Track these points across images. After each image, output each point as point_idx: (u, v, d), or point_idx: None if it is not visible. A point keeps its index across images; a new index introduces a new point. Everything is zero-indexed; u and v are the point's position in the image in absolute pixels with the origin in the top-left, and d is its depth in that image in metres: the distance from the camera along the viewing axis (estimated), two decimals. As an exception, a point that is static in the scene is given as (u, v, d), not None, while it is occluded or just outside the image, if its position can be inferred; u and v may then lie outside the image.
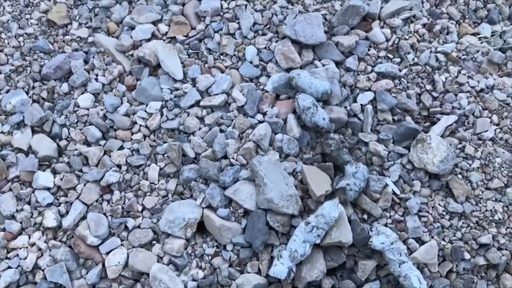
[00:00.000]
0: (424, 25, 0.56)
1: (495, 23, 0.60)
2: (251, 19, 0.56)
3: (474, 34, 0.59)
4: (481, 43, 0.58)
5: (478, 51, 0.57)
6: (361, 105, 0.53)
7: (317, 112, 0.50)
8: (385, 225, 0.49)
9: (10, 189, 0.51)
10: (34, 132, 0.53)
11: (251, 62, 0.55)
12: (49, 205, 0.50)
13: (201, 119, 0.52)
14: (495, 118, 0.54)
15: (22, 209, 0.50)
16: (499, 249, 0.51)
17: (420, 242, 0.49)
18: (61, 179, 0.51)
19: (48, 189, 0.50)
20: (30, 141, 0.52)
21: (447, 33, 0.57)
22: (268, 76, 0.54)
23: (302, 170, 0.49)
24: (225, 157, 0.51)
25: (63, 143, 0.52)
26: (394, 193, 0.50)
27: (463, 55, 0.57)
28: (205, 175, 0.50)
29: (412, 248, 0.49)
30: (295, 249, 0.46)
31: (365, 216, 0.50)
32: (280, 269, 0.46)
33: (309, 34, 0.54)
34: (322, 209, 0.46)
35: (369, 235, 0.48)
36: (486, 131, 0.53)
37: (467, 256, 0.50)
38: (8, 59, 0.56)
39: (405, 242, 0.49)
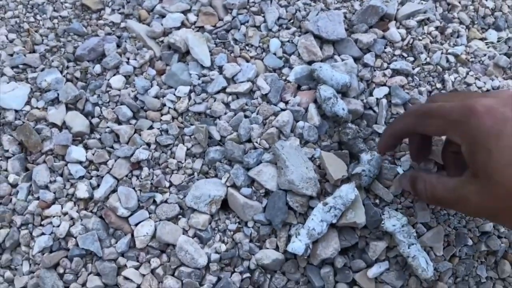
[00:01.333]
0: (437, 28, 0.60)
1: (501, 30, 0.64)
2: (276, 14, 0.59)
3: (481, 39, 0.63)
4: (488, 47, 0.62)
5: (485, 55, 0.61)
6: (377, 98, 0.56)
7: (337, 102, 0.53)
8: (396, 210, 0.52)
9: (44, 161, 0.53)
10: (68, 109, 0.55)
11: (275, 54, 0.58)
12: (81, 177, 0.53)
13: (227, 104, 0.55)
14: (499, 117, 0.57)
15: (55, 181, 0.52)
16: (499, 237, 0.55)
17: (428, 227, 0.53)
18: (93, 154, 0.53)
19: (81, 162, 0.53)
20: (64, 117, 0.54)
21: (458, 37, 0.61)
22: (291, 67, 0.57)
23: (321, 156, 0.53)
24: (249, 141, 0.54)
25: (95, 120, 0.54)
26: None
27: (471, 57, 0.60)
28: (230, 157, 0.53)
29: (420, 232, 0.52)
30: (313, 227, 0.49)
31: (378, 201, 0.53)
32: (298, 245, 0.49)
33: (330, 30, 0.57)
34: (340, 191, 0.50)
35: (381, 218, 0.51)
36: (491, 128, 0.56)
37: (469, 242, 0.53)
38: (43, 40, 0.59)
39: (414, 226, 0.52)
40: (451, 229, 0.53)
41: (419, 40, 0.59)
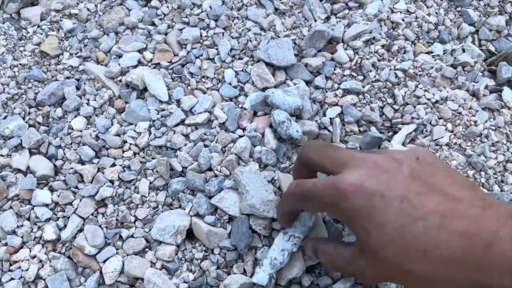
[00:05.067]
0: (383, 46, 0.63)
1: (446, 43, 0.67)
2: (228, 45, 0.61)
3: (428, 53, 0.66)
4: (435, 60, 0.65)
5: (432, 68, 0.63)
6: (330, 118, 0.58)
7: (291, 125, 0.55)
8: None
9: (11, 207, 0.54)
10: (31, 153, 0.56)
11: (230, 84, 0.60)
12: (47, 220, 0.54)
13: (187, 136, 0.57)
14: (449, 125, 0.59)
15: (22, 225, 0.53)
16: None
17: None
18: (58, 196, 0.54)
19: (47, 205, 0.54)
20: (28, 162, 0.56)
21: (404, 52, 0.64)
22: (246, 95, 0.59)
23: (279, 178, 0.55)
24: (210, 169, 0.55)
25: (59, 162, 0.56)
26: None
27: (419, 71, 0.63)
28: (192, 186, 0.54)
29: (381, 244, 0.54)
30: (275, 257, 0.50)
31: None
32: (261, 276, 0.50)
33: (280, 57, 0.60)
34: (298, 220, 0.51)
35: (342, 235, 0.53)
36: (442, 137, 0.59)
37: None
38: (4, 88, 0.60)
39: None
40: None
41: (367, 59, 0.62)
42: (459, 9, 0.68)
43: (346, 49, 0.62)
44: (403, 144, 0.58)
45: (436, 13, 0.68)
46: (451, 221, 0.32)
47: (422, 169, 0.36)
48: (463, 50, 0.67)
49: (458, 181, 0.36)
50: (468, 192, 0.34)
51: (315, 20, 0.65)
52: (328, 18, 0.65)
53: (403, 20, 0.65)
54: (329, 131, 0.58)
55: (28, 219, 0.54)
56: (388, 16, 0.65)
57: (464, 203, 0.33)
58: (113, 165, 0.56)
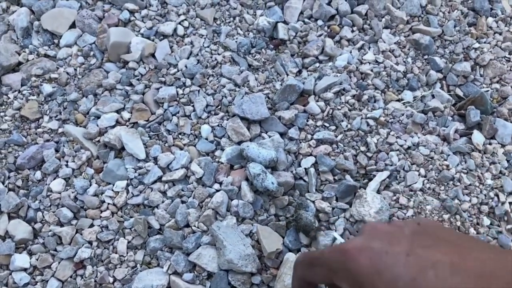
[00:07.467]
0: (353, 96, 0.65)
1: (415, 90, 0.69)
2: (204, 102, 0.63)
3: (398, 100, 0.68)
4: (405, 107, 0.67)
5: (403, 114, 0.65)
6: (305, 168, 0.59)
7: (266, 177, 0.56)
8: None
9: (-12, 273, 0.54)
10: (10, 218, 0.57)
11: (206, 139, 0.61)
12: (25, 285, 0.53)
13: (164, 192, 0.58)
14: (422, 171, 0.61)
15: (-1, 291, 0.53)
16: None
17: None
18: (37, 259, 0.54)
19: (25, 269, 0.54)
20: (7, 226, 0.56)
21: (375, 101, 0.65)
22: (222, 149, 0.60)
23: (257, 230, 0.55)
24: (187, 225, 0.56)
25: (38, 225, 0.56)
26: (343, 245, 0.55)
27: (390, 118, 0.65)
28: (170, 244, 0.54)
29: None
30: None
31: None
32: None
33: (254, 111, 0.61)
34: None
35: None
36: (416, 182, 0.60)
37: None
38: (-16, 154, 0.61)
39: None
40: None
41: (338, 109, 0.64)
42: (426, 57, 0.71)
43: (317, 100, 0.64)
44: (378, 191, 0.59)
45: (404, 62, 0.71)
46: (464, 265, 0.30)
47: (424, 230, 0.36)
48: (433, 96, 0.69)
49: (465, 236, 0.36)
50: (477, 242, 0.33)
51: (287, 74, 0.67)
52: (300, 72, 0.68)
53: (371, 70, 0.68)
54: (304, 181, 0.59)
55: (6, 285, 0.54)
56: (357, 67, 0.68)
57: (474, 250, 0.32)
58: (91, 225, 0.57)
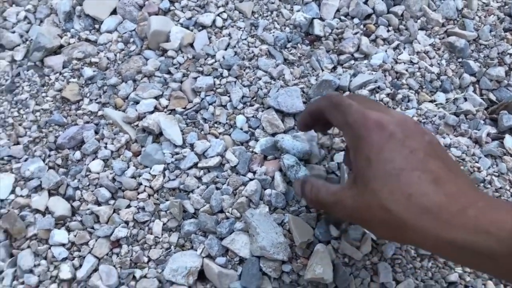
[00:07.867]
0: (388, 95, 0.65)
1: (448, 92, 0.69)
2: (240, 93, 0.65)
3: (431, 101, 0.68)
4: (438, 108, 0.68)
5: (435, 115, 0.66)
6: (337, 163, 0.60)
7: (300, 169, 0.57)
8: (364, 267, 0.55)
9: (29, 246, 0.56)
10: (50, 195, 0.59)
11: (241, 129, 0.63)
12: (64, 259, 0.55)
13: (199, 178, 0.59)
14: (453, 171, 0.61)
15: (39, 264, 0.55)
16: (465, 286, 0.57)
17: (396, 281, 0.55)
18: (75, 236, 0.56)
19: (63, 245, 0.56)
20: (47, 203, 0.58)
21: (408, 101, 0.66)
22: (256, 140, 0.62)
23: (289, 220, 0.56)
24: (221, 211, 0.57)
25: (76, 203, 0.58)
26: (372, 239, 0.56)
27: (423, 119, 0.65)
28: (204, 228, 0.56)
29: (388, 287, 0.55)
30: None
31: (347, 260, 0.56)
32: None
33: (289, 105, 0.63)
34: None
35: (350, 278, 0.54)
36: (446, 182, 0.60)
37: (438, 293, 0.56)
38: (26, 132, 0.64)
39: (383, 284, 0.55)
40: (418, 281, 0.56)
41: (372, 107, 0.64)
42: (460, 60, 0.72)
43: (352, 97, 0.65)
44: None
45: (438, 63, 0.71)
46: (443, 183, 0.35)
47: (438, 148, 0.39)
48: (465, 99, 0.69)
49: (457, 165, 0.40)
50: (465, 176, 0.39)
51: (322, 70, 0.68)
52: (334, 68, 0.69)
53: (406, 70, 0.69)
54: (336, 175, 0.60)
55: (45, 258, 0.56)
56: (392, 67, 0.68)
57: (458, 174, 0.37)
58: (128, 206, 0.58)
